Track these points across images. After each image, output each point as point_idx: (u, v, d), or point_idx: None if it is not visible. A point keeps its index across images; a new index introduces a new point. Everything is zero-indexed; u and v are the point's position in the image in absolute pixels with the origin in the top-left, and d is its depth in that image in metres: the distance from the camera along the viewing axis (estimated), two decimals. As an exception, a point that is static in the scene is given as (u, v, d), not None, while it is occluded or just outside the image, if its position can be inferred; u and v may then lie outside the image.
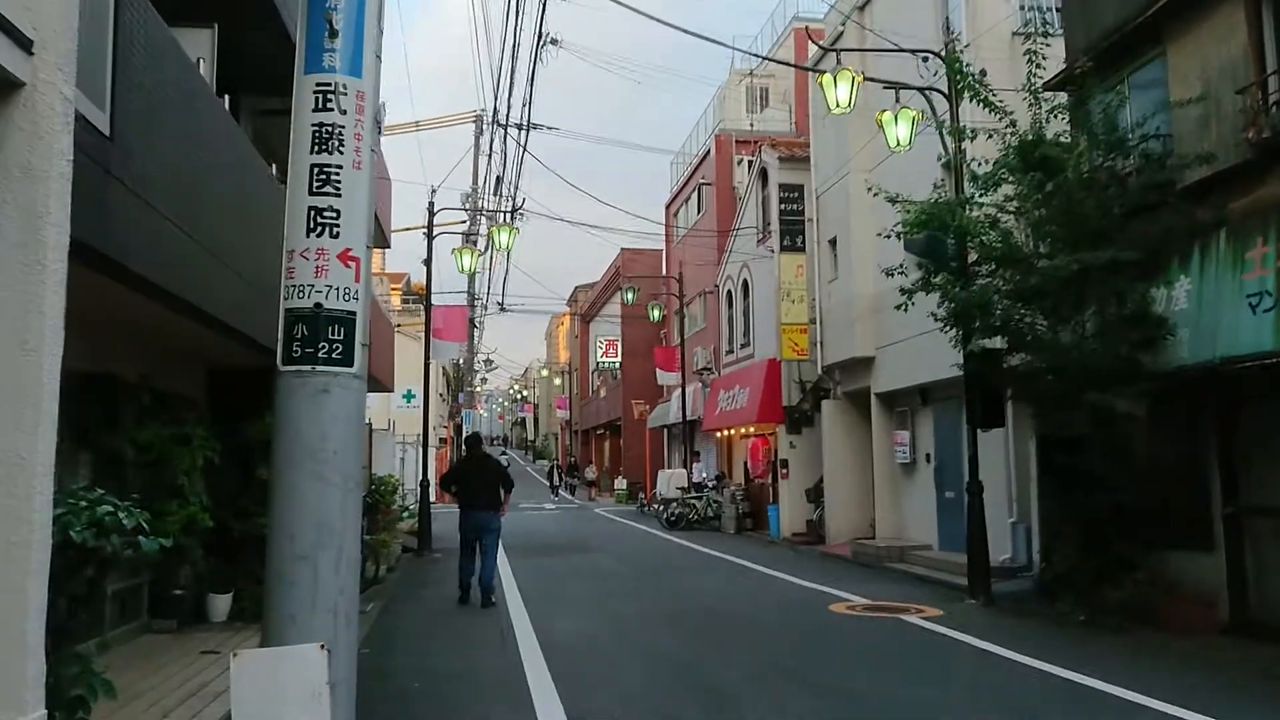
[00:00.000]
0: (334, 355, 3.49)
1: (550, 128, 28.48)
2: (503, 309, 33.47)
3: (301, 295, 3.50)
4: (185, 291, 6.75)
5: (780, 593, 11.94)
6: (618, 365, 37.78)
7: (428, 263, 17.50)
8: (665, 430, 32.31)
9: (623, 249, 38.63)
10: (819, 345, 18.03)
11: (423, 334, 23.24)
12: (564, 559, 15.96)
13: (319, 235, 3.50)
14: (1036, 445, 10.96)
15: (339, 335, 3.50)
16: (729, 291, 24.19)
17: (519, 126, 18.05)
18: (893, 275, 11.85)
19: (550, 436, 78.65)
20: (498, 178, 19.77)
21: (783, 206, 18.32)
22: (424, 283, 18.30)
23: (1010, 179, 9.48)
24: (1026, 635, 8.92)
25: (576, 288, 52.56)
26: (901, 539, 15.87)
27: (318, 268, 3.50)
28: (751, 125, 26.30)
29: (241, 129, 9.05)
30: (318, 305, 3.48)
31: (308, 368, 3.49)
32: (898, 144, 11.02)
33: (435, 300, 18.57)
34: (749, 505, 22.11)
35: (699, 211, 28.08)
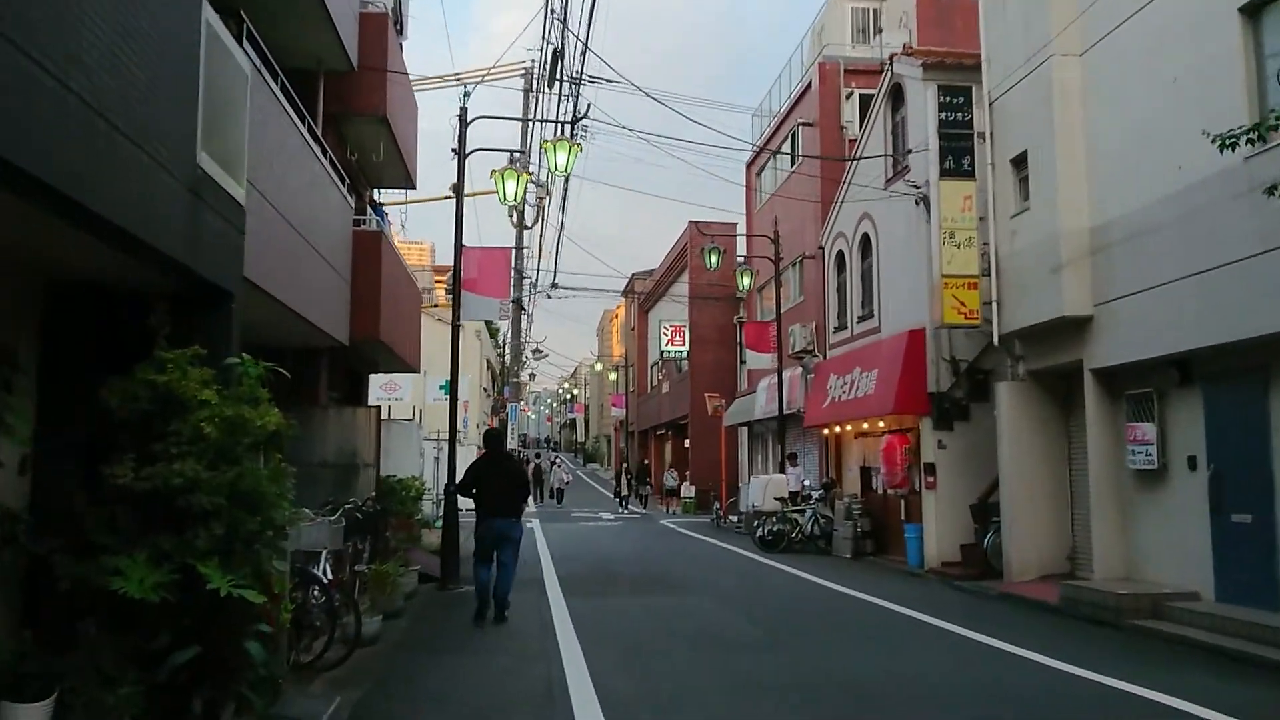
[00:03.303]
0: None
1: (608, 80, 24.10)
2: (555, 287, 28.88)
3: None
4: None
5: (1079, 700, 6.87)
6: (685, 355, 32.93)
7: (458, 190, 12.82)
8: (746, 429, 27.40)
9: (690, 222, 33.82)
10: (994, 305, 13.04)
11: (469, 321, 18.52)
12: (647, 603, 11.15)
13: None
14: None
15: None
16: (840, 252, 19.25)
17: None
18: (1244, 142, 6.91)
19: (602, 438, 74.10)
20: (554, 53, 14.83)
21: (943, 116, 13.35)
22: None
23: None
24: None
25: (633, 275, 47.77)
26: (1136, 579, 10.87)
27: None
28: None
29: None
30: None
31: None
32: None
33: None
34: (870, 522, 17.16)
35: (794, 163, 23.15)
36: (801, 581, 13.34)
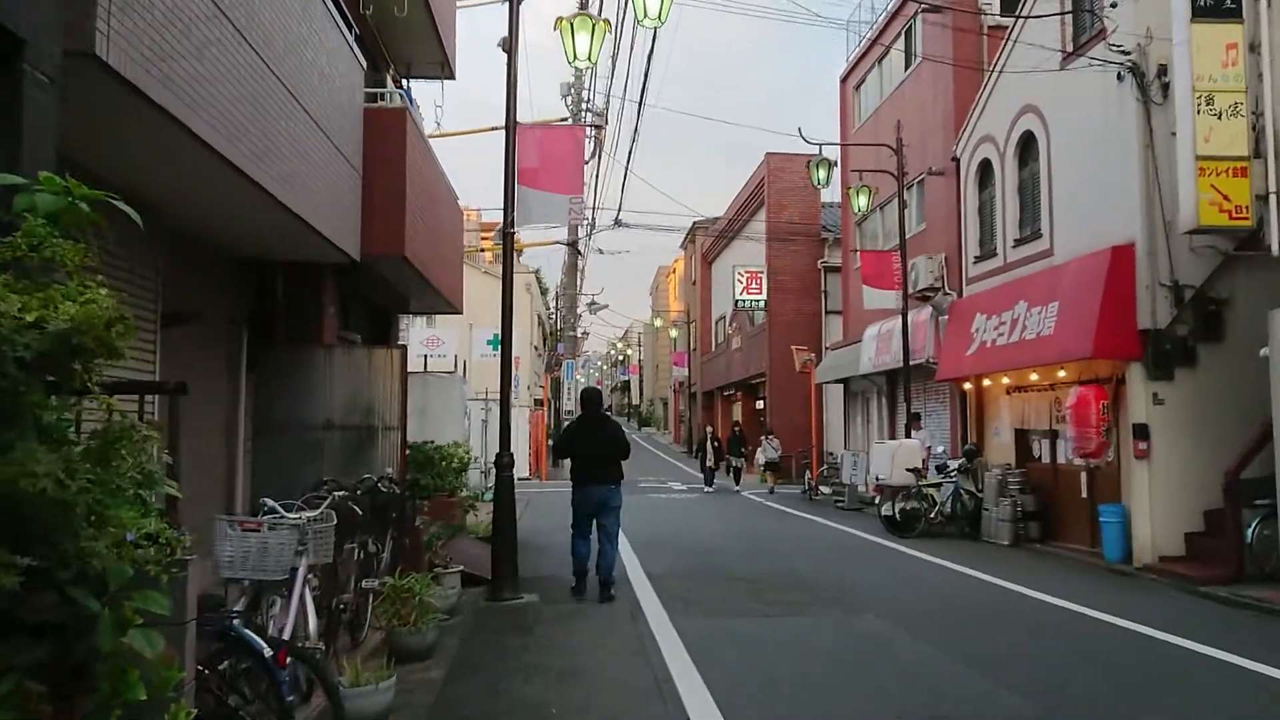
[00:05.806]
0: None
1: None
2: (618, 224, 25.29)
3: None
4: None
5: None
6: (762, 304, 29.18)
7: (510, 47, 9.21)
8: (841, 386, 23.65)
9: (768, 154, 29.97)
10: (1271, 200, 9.17)
11: (519, 273, 14.85)
12: (796, 628, 7.57)
13: None
14: None
15: None
16: (984, 161, 15.34)
17: None
18: None
19: (658, 401, 70.68)
20: None
21: (1194, -68, 9.44)
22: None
23: None
24: None
25: (695, 224, 43.94)
26: None
27: None
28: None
29: None
30: None
31: None
32: None
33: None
34: (1034, 501, 13.44)
35: (908, 66, 19.17)
36: (986, 587, 9.70)
